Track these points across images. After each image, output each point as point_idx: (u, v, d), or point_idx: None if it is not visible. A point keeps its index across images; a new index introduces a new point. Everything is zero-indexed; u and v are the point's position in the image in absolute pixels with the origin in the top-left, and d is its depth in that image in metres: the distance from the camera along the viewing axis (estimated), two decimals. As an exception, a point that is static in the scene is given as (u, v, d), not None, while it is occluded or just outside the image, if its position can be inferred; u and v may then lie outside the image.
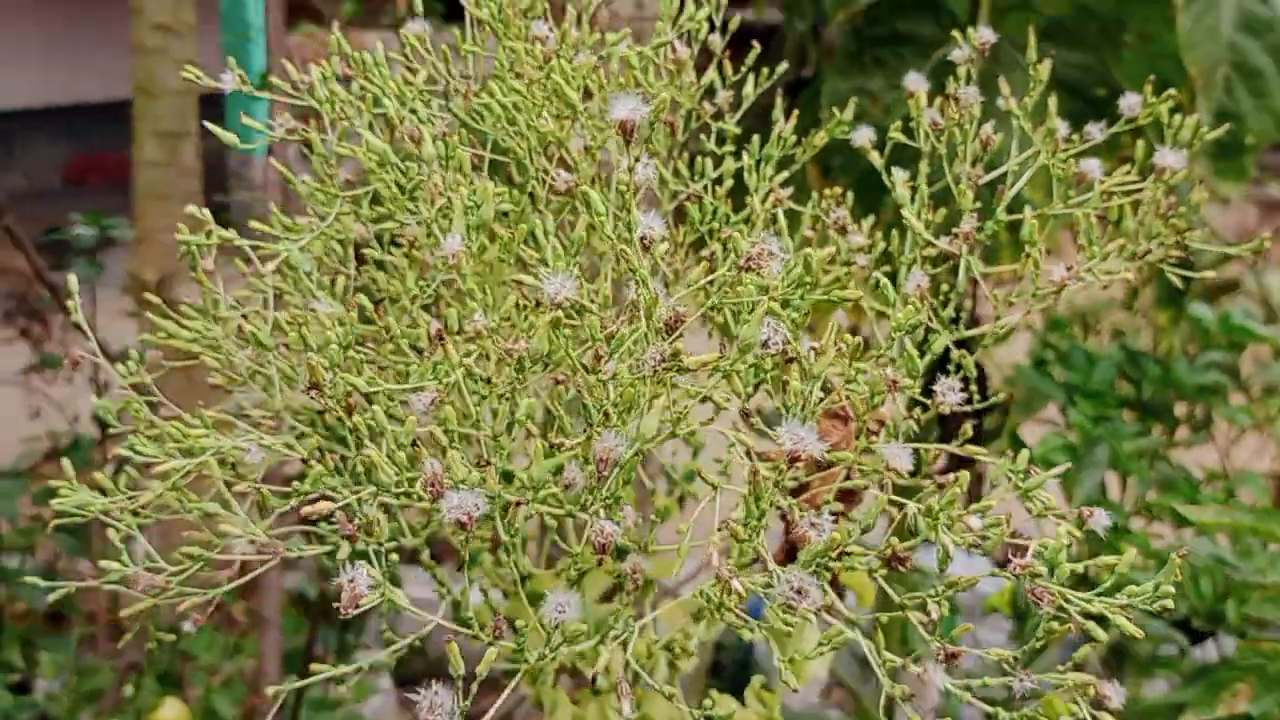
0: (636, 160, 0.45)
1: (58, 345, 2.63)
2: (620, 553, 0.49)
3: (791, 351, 0.44)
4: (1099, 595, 0.43)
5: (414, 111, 0.59)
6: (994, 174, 0.65)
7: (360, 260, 0.65)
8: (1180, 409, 1.70)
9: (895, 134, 0.66)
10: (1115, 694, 0.46)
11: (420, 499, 0.44)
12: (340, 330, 0.50)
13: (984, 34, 0.65)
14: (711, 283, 0.49)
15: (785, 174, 0.68)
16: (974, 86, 0.64)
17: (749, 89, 0.73)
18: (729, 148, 0.69)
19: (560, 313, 0.44)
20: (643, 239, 0.45)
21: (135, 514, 0.54)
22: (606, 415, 0.44)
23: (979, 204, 0.62)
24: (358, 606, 0.41)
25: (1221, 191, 1.37)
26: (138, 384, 0.58)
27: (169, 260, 1.98)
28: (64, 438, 2.41)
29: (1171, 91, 0.64)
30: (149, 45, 2.07)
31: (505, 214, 0.58)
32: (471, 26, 0.63)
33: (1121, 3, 1.55)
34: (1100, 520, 0.47)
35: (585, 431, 0.45)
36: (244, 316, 0.58)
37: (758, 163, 0.66)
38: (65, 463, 0.54)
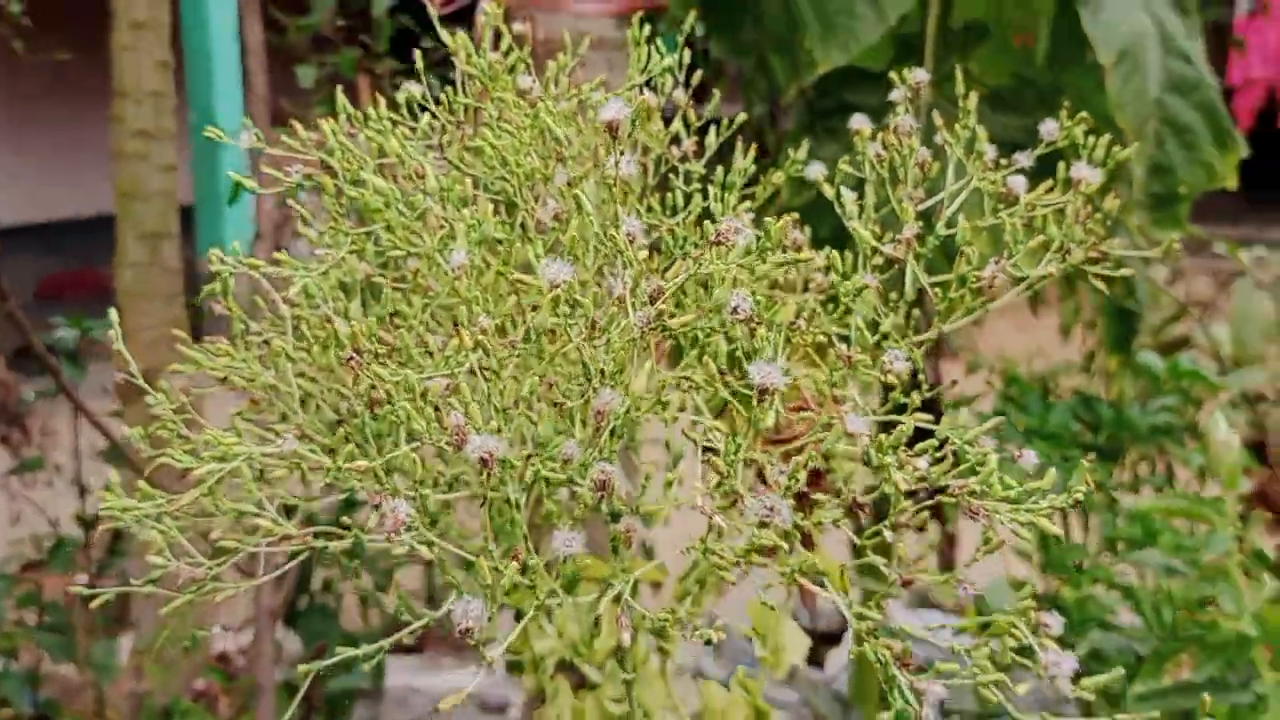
0: (622, 154, 0.52)
1: (38, 450, 2.66)
2: (614, 516, 0.55)
3: (758, 319, 0.51)
4: (1025, 506, 0.49)
5: (413, 158, 0.66)
6: (933, 200, 0.73)
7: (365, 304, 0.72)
8: (1138, 455, 1.78)
9: (843, 165, 0.74)
10: (1054, 622, 0.52)
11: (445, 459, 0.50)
12: (369, 320, 0.57)
13: (918, 75, 0.74)
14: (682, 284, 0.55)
15: (747, 204, 0.76)
16: (909, 116, 0.72)
17: (711, 138, 0.81)
18: (696, 186, 0.77)
19: (560, 291, 0.51)
20: (627, 234, 0.52)
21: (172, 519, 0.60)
22: (603, 373, 0.50)
23: (920, 223, 0.70)
24: (399, 532, 0.47)
25: (1157, 238, 1.45)
26: (176, 408, 0.64)
27: (153, 356, 2.03)
28: (46, 540, 2.44)
29: (1084, 114, 0.73)
30: (130, 151, 2.16)
31: (500, 242, 0.65)
32: (462, 82, 0.71)
33: (1057, 72, 1.66)
34: (1029, 459, 0.54)
35: (583, 396, 0.51)
36: (266, 342, 0.65)
37: (723, 190, 0.74)
38: (112, 474, 0.60)
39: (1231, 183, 1.52)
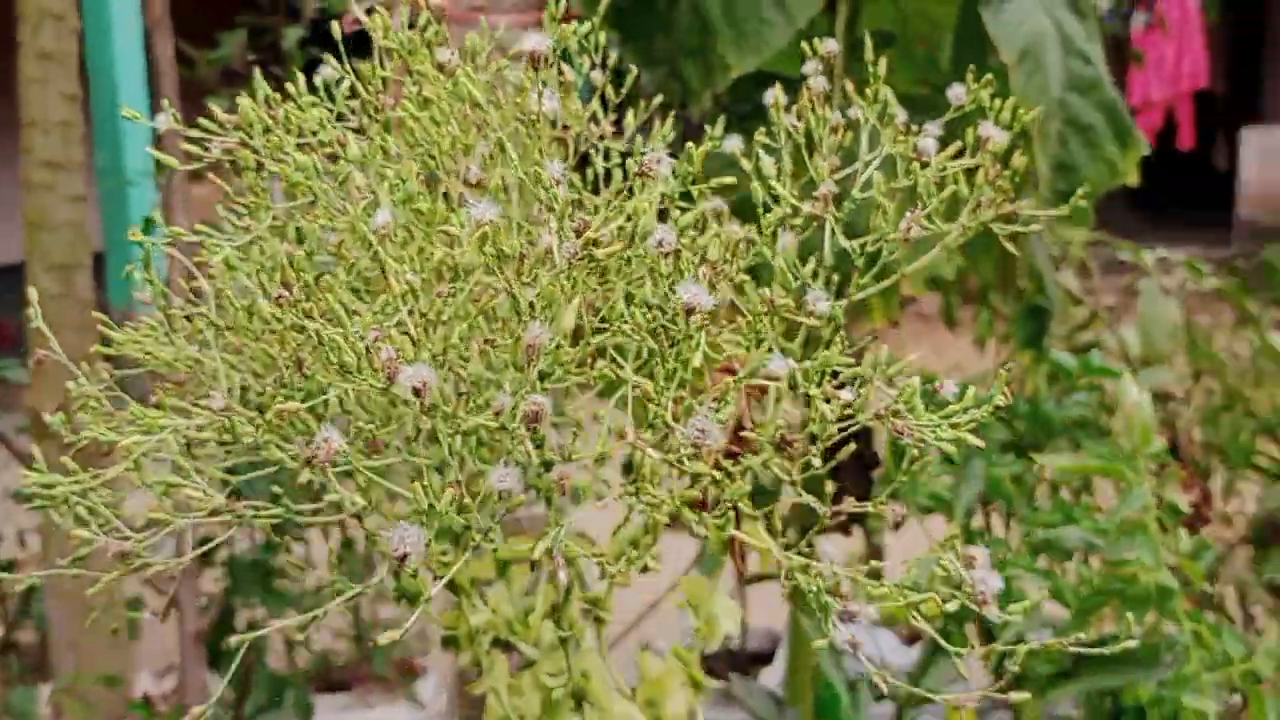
0: (545, 86, 0.53)
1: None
2: (546, 466, 0.55)
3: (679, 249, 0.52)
4: (947, 421, 0.51)
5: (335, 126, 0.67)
6: (850, 169, 0.75)
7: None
8: (1054, 450, 1.81)
9: (761, 138, 0.76)
10: (980, 555, 0.53)
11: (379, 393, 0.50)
12: (300, 258, 0.57)
13: (829, 45, 0.76)
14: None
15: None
16: (822, 78, 0.74)
17: (630, 119, 0.82)
18: (616, 162, 0.78)
19: (486, 229, 0.51)
20: (552, 178, 0.53)
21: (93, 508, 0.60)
22: (532, 306, 0.51)
23: (837, 189, 0.72)
24: (333, 463, 0.47)
25: (1064, 236, 1.49)
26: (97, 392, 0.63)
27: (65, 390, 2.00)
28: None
29: (989, 77, 0.75)
30: (38, 181, 2.13)
31: (422, 213, 0.65)
32: (380, 57, 0.72)
33: (961, 78, 1.70)
34: (949, 389, 0.55)
35: (514, 336, 0.52)
36: (187, 318, 0.64)
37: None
38: (37, 450, 0.59)
39: (1132, 179, 1.56)
